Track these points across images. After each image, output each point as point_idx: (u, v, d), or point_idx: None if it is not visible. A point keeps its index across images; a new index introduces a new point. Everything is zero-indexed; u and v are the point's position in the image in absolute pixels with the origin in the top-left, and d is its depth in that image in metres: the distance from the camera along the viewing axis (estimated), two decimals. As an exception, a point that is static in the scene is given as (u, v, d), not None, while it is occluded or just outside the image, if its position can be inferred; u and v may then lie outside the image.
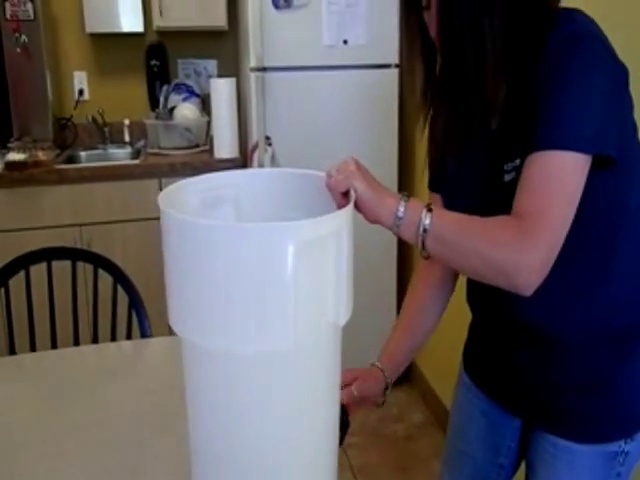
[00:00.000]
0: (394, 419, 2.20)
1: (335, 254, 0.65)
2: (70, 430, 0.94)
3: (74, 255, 1.36)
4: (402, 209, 0.72)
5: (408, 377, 2.39)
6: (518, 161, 0.74)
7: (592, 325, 0.82)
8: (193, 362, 0.69)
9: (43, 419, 0.97)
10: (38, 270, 1.33)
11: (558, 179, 0.71)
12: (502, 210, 0.74)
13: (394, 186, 2.17)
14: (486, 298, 0.91)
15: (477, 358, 0.99)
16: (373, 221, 0.73)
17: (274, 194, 0.80)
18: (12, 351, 1.33)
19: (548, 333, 0.83)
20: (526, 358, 0.87)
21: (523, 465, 0.98)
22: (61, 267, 1.37)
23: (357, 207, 0.72)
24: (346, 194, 0.71)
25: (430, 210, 0.72)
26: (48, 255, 1.33)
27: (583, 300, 0.81)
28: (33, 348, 1.35)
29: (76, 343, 1.37)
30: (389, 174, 2.16)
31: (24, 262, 1.32)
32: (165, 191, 0.73)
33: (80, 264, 1.39)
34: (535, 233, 0.70)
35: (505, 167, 0.77)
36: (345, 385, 0.89)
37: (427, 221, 0.72)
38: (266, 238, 0.61)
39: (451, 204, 0.88)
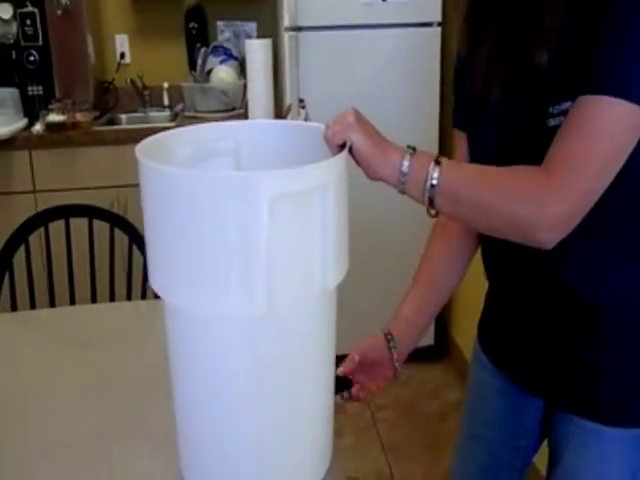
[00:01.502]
0: (428, 396, 2.14)
1: (320, 211, 0.60)
2: (75, 387, 0.94)
3: (91, 213, 1.37)
4: (407, 163, 0.65)
5: (446, 352, 2.31)
6: (568, 104, 0.65)
7: (632, 294, 0.73)
8: (170, 323, 0.66)
9: (50, 374, 0.98)
10: (57, 227, 1.36)
11: (604, 128, 0.62)
12: (539, 160, 0.66)
13: (435, 151, 2.07)
14: (507, 259, 0.82)
15: (495, 332, 0.90)
16: (375, 178, 0.67)
17: (276, 147, 0.76)
18: (32, 306, 1.37)
19: (584, 300, 0.75)
20: (554, 330, 0.79)
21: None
22: (80, 225, 1.39)
23: (358, 163, 0.67)
24: (344, 147, 0.66)
25: (439, 163, 0.65)
26: (66, 212, 1.35)
27: (626, 266, 0.73)
28: (52, 304, 1.38)
29: (94, 300, 1.40)
30: (430, 140, 2.07)
31: (43, 219, 1.34)
32: (150, 139, 0.70)
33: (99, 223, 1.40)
34: (561, 184, 0.63)
35: (551, 110, 0.68)
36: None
37: (435, 175, 0.65)
38: (236, 189, 0.56)
39: (478, 146, 0.80)
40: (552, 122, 0.68)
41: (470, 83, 0.80)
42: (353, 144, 0.66)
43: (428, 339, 2.27)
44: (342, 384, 0.84)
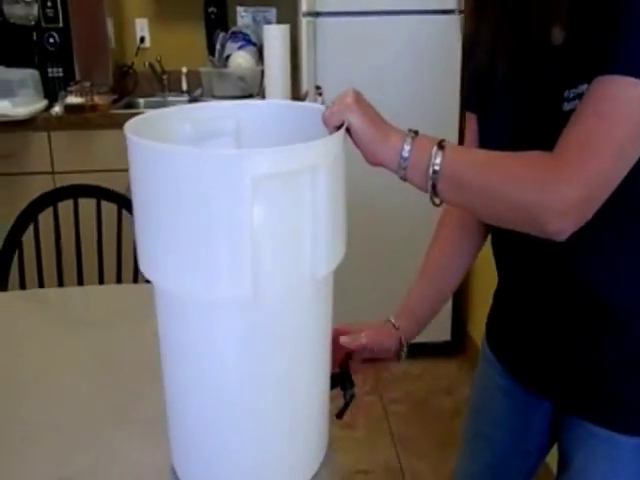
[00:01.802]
0: (442, 391, 2.11)
1: (311, 194, 0.57)
2: (72, 367, 0.94)
3: (99, 194, 1.37)
4: (408, 147, 0.62)
5: (462, 348, 2.27)
6: (584, 87, 0.61)
7: None
8: (160, 307, 0.65)
9: (49, 353, 0.98)
10: (67, 207, 1.36)
11: (621, 109, 0.58)
12: (552, 146, 0.62)
13: (455, 141, 2.03)
14: (518, 252, 0.78)
15: (503, 329, 0.87)
16: (375, 163, 0.65)
17: (279, 128, 0.74)
18: (41, 284, 1.38)
19: (599, 300, 0.71)
20: (566, 330, 0.74)
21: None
22: (89, 205, 1.39)
23: (357, 146, 0.64)
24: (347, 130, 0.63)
25: (442, 147, 0.62)
26: (74, 192, 1.36)
27: None
28: (61, 283, 1.39)
29: (101, 282, 1.40)
30: (449, 130, 2.02)
31: (52, 198, 1.35)
32: (144, 116, 0.68)
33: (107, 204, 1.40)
34: (573, 167, 0.58)
35: (566, 94, 0.64)
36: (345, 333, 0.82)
37: (438, 160, 0.62)
38: (219, 168, 0.54)
39: (487, 131, 0.76)
40: (567, 106, 0.64)
41: (476, 60, 0.76)
42: (351, 126, 0.63)
43: (444, 334, 2.24)
44: (340, 380, 0.81)
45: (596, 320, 0.72)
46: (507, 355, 0.86)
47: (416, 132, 0.64)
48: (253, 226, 0.55)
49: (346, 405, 0.83)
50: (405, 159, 0.63)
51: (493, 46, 0.72)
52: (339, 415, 0.83)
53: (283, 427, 0.65)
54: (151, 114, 0.69)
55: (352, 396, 0.83)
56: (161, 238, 0.59)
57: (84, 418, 0.82)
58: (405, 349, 0.85)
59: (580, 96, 0.62)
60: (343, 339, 0.80)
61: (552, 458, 0.91)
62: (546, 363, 0.78)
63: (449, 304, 2.20)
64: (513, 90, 0.72)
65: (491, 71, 0.73)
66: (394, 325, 0.85)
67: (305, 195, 0.57)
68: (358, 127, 0.63)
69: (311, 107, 0.71)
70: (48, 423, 0.81)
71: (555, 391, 0.79)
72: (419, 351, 2.23)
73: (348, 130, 0.63)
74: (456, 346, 2.27)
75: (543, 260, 0.74)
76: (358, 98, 0.64)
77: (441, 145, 0.63)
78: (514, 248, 0.79)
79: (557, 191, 0.59)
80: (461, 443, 0.97)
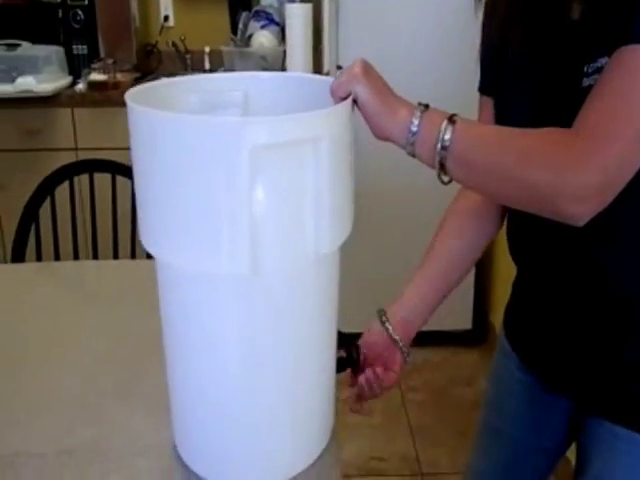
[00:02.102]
0: (463, 382, 2.07)
1: (313, 167, 0.54)
2: (81, 340, 0.94)
3: (113, 168, 1.37)
4: (416, 121, 0.59)
5: (484, 338, 2.23)
6: (604, 61, 0.58)
7: None
8: (161, 280, 0.63)
9: (59, 325, 0.98)
10: (83, 181, 1.37)
11: None
12: (571, 125, 0.58)
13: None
14: (536, 239, 0.73)
15: (521, 322, 0.82)
16: (382, 137, 0.61)
17: (288, 100, 0.71)
18: (56, 257, 1.39)
19: (624, 292, 0.66)
20: (587, 324, 0.70)
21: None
22: (104, 180, 1.39)
23: (364, 119, 0.61)
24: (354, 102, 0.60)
25: (453, 122, 0.59)
26: (90, 167, 1.36)
27: None
28: (76, 256, 1.40)
29: (115, 257, 1.40)
30: (475, 111, 1.95)
31: (67, 172, 1.35)
32: (148, 85, 0.66)
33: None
34: (593, 148, 0.55)
35: (586, 69, 0.60)
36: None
37: (448, 136, 0.58)
38: (217, 136, 0.51)
39: (504, 111, 0.73)
40: (586, 82, 0.60)
41: (490, 37, 0.73)
42: (358, 97, 0.60)
43: (466, 323, 2.19)
44: (347, 362, 0.77)
45: (618, 315, 0.68)
46: (525, 349, 0.81)
47: (427, 106, 0.61)
48: (252, 198, 0.53)
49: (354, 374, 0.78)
50: (413, 134, 0.59)
51: (506, 22, 0.68)
52: (353, 370, 0.77)
53: (285, 406, 0.64)
54: (155, 84, 0.67)
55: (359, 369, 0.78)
56: (159, 209, 0.57)
57: (89, 391, 0.81)
58: (408, 356, 0.80)
59: (600, 70, 0.58)
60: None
61: (571, 452, 0.87)
62: (565, 359, 0.74)
63: (470, 292, 2.15)
64: (529, 68, 0.68)
65: (505, 49, 0.69)
66: (394, 341, 0.78)
67: (307, 168, 0.55)
68: (365, 99, 0.60)
69: (321, 80, 0.69)
70: (52, 395, 0.81)
71: (574, 388, 0.75)
72: (439, 339, 2.20)
73: (356, 102, 0.60)
74: (477, 335, 2.22)
75: (561, 248, 0.70)
76: (366, 69, 0.61)
77: (452, 119, 0.59)
78: (529, 234, 0.74)
79: (576, 175, 0.55)
80: (475, 437, 0.93)
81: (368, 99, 0.60)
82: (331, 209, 0.57)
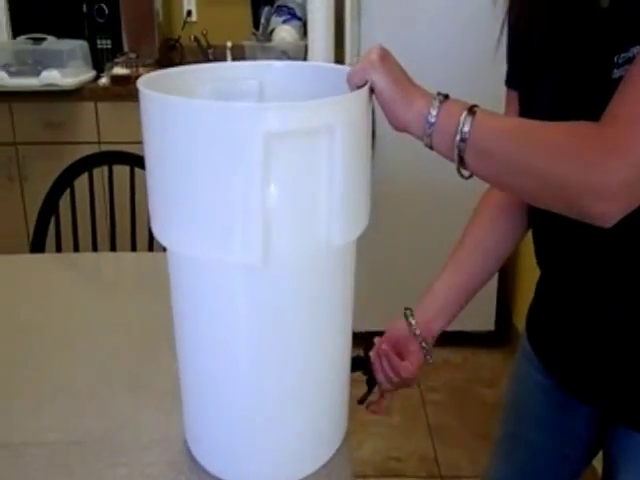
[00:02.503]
0: (484, 383, 2.03)
1: (327, 155, 0.52)
2: (94, 332, 0.93)
3: (132, 161, 1.36)
4: (434, 112, 0.56)
5: (507, 340, 2.18)
6: (636, 49, 0.54)
7: None
8: (172, 269, 0.62)
9: (76, 317, 0.98)
10: (101, 173, 1.37)
11: None
12: (600, 117, 0.55)
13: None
14: (561, 240, 0.70)
15: (544, 325, 0.78)
16: (399, 127, 0.59)
17: (304, 90, 0.69)
18: (76, 249, 1.40)
19: None
20: (614, 330, 0.67)
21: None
22: (122, 172, 1.39)
23: (382, 108, 0.59)
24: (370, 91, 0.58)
25: (473, 113, 0.56)
26: (109, 159, 1.36)
27: None
28: (95, 248, 1.40)
29: (133, 249, 1.40)
30: (502, 105, 1.91)
31: (87, 164, 1.35)
32: (161, 72, 0.65)
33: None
34: (622, 146, 0.51)
35: (616, 59, 0.57)
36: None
37: (467, 128, 0.55)
38: (230, 122, 0.50)
39: (529, 105, 0.70)
40: (617, 73, 0.57)
41: (516, 28, 0.69)
42: (374, 85, 0.57)
43: (488, 324, 2.15)
44: (362, 364, 0.76)
45: None
46: (548, 354, 0.78)
47: (446, 96, 0.58)
48: (265, 187, 0.51)
49: (368, 391, 0.79)
50: (431, 125, 0.57)
51: (530, 13, 0.65)
52: (361, 401, 0.78)
53: (295, 403, 0.62)
54: (168, 71, 0.66)
55: (373, 383, 0.78)
56: (170, 197, 0.56)
57: (101, 383, 0.81)
58: (431, 356, 0.78)
59: (631, 60, 0.54)
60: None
61: (597, 461, 0.83)
62: (590, 365, 0.71)
63: (494, 293, 2.11)
64: (556, 60, 0.65)
65: (530, 40, 0.66)
66: (415, 335, 0.76)
67: (321, 157, 0.53)
68: (381, 87, 0.57)
69: (338, 69, 0.67)
70: (64, 385, 0.80)
71: (600, 397, 0.71)
72: (461, 339, 2.16)
73: (373, 91, 0.58)
74: (500, 337, 2.18)
75: (589, 252, 0.66)
76: (384, 56, 0.58)
77: (472, 110, 0.56)
78: (554, 234, 0.71)
79: (603, 171, 0.51)
80: (494, 443, 0.90)
81: (385, 87, 0.57)
82: (344, 200, 0.55)
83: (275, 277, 0.56)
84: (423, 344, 0.76)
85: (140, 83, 0.57)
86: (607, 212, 0.53)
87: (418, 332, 0.76)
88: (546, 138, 0.55)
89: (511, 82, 0.76)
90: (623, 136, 0.52)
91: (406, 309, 0.79)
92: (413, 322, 0.77)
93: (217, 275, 0.57)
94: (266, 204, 0.51)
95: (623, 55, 0.56)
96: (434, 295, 0.78)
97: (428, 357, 0.77)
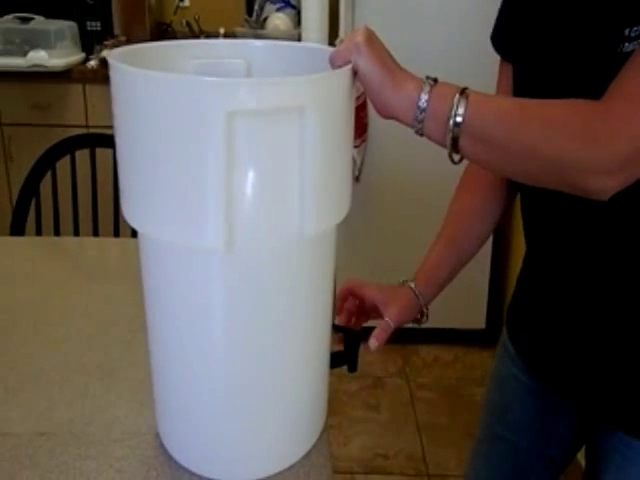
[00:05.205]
0: (475, 382, 2.00)
1: (298, 139, 0.48)
2: (72, 317, 0.89)
3: (114, 143, 1.32)
4: (425, 96, 0.53)
5: (497, 338, 2.15)
6: None
7: None
8: (142, 253, 0.59)
9: (51, 301, 0.94)
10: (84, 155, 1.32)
11: None
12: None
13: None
14: (552, 218, 0.68)
15: (526, 325, 0.76)
16: (386, 114, 0.55)
17: (291, 70, 0.65)
18: (56, 232, 1.36)
19: None
20: (602, 324, 0.64)
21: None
22: (105, 154, 1.34)
23: (367, 94, 0.55)
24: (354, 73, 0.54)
25: (466, 95, 0.52)
26: (92, 141, 1.32)
27: None
28: (76, 232, 1.36)
29: (116, 234, 1.36)
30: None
31: (69, 146, 1.31)
32: (137, 47, 0.60)
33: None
34: (621, 120, 0.49)
35: (627, 32, 0.54)
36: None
37: (461, 110, 0.52)
38: (188, 98, 0.46)
39: (526, 79, 0.66)
40: (628, 47, 0.54)
41: None
42: (359, 69, 0.53)
43: (479, 323, 2.12)
44: (344, 359, 0.72)
45: (632, 313, 0.62)
46: (529, 352, 0.76)
47: (435, 79, 0.54)
48: (228, 170, 0.47)
49: (353, 352, 0.73)
50: (422, 110, 0.53)
51: None
52: (351, 368, 0.73)
53: (270, 394, 0.59)
54: (145, 45, 0.61)
55: (356, 340, 0.73)
56: (134, 176, 0.52)
57: (72, 371, 0.77)
58: (426, 317, 0.76)
59: None
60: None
61: (581, 454, 0.81)
62: (575, 363, 0.68)
63: (485, 292, 2.08)
64: (560, 32, 0.61)
65: (531, 9, 0.62)
66: (415, 293, 0.75)
67: (291, 141, 0.49)
68: (367, 70, 0.53)
69: (326, 50, 0.63)
70: (35, 372, 0.76)
71: (584, 396, 0.69)
72: (452, 337, 2.14)
73: (356, 73, 0.54)
74: (491, 335, 2.16)
75: (579, 228, 0.64)
76: (370, 38, 0.54)
77: (464, 93, 0.53)
78: (546, 208, 0.69)
79: (601, 145, 0.50)
80: (474, 445, 0.87)
81: (370, 70, 0.53)
82: (318, 188, 0.52)
83: (243, 265, 0.52)
84: (424, 309, 0.75)
85: (112, 55, 0.52)
86: (604, 186, 0.51)
87: (418, 291, 0.75)
88: (545, 116, 0.52)
89: (501, 47, 0.72)
90: (623, 115, 0.50)
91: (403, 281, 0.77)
92: (413, 285, 0.75)
93: (183, 259, 0.53)
94: (230, 188, 0.48)
95: (636, 29, 0.53)
96: (429, 270, 0.77)
97: (424, 318, 0.76)
